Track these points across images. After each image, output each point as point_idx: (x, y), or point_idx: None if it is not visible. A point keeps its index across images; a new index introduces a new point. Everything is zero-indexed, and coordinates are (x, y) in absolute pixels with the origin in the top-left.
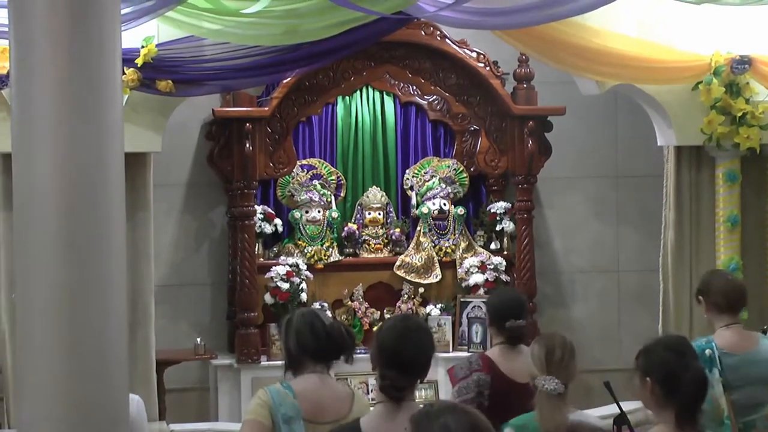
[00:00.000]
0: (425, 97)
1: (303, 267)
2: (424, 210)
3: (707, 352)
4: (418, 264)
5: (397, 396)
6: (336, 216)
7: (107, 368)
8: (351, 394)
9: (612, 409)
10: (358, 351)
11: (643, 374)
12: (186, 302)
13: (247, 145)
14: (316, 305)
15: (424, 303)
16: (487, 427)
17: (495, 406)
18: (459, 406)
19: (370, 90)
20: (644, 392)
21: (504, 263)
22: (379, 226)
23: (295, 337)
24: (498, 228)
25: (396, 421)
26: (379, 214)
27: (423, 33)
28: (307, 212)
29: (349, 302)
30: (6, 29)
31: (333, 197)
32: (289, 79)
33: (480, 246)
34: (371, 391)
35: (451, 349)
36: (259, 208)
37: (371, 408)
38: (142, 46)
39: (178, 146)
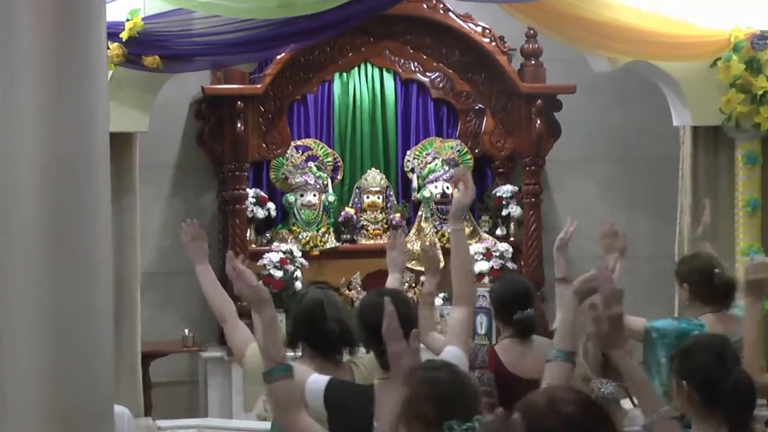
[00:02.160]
0: (427, 74)
1: (297, 254)
2: (426, 194)
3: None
4: (420, 251)
5: None
6: (332, 200)
7: (92, 360)
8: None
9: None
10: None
11: (679, 377)
12: (174, 291)
13: (239, 125)
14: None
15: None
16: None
17: (501, 405)
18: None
19: (369, 67)
20: (681, 397)
21: (510, 250)
22: (378, 211)
23: (292, 319)
24: (504, 213)
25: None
26: (378, 198)
27: (425, 6)
28: (302, 196)
29: (347, 291)
30: None
31: (329, 180)
32: (283, 55)
33: (485, 232)
34: None
35: None
36: (251, 192)
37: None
38: (128, 20)
39: (165, 126)
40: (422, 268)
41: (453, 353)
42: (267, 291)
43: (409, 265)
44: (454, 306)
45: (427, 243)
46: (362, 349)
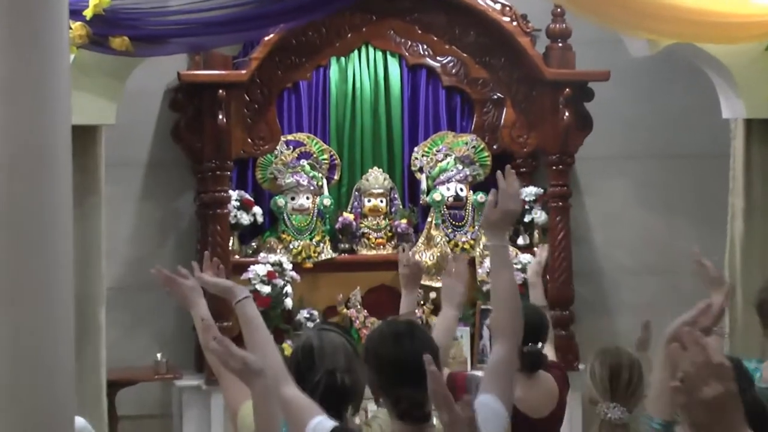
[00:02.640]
0: (438, 58)
1: (288, 266)
2: (437, 197)
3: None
4: (429, 263)
5: (422, 415)
6: (328, 204)
7: (51, 386)
8: None
9: None
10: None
11: None
12: (145, 309)
13: (221, 117)
14: (304, 314)
15: (437, 311)
16: None
17: None
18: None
19: (371, 50)
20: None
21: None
22: (382, 217)
23: (289, 363)
24: (527, 219)
25: None
26: (381, 201)
27: None
28: (293, 199)
29: (344, 310)
30: None
31: (325, 181)
32: (271, 36)
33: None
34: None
35: (469, 368)
36: (234, 194)
37: None
38: None
39: (136, 118)
40: (432, 283)
41: (489, 405)
42: (257, 362)
43: None
44: (494, 339)
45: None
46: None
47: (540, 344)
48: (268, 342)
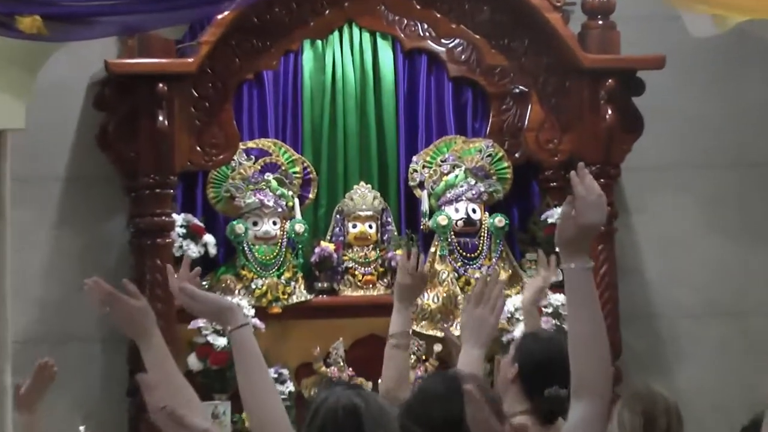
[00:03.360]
0: (443, 41)
1: (249, 311)
2: (442, 220)
3: None
4: (433, 306)
5: None
6: (301, 230)
7: None
8: None
9: None
10: None
11: None
12: (64, 368)
13: (161, 118)
14: (271, 374)
15: (443, 368)
16: None
17: None
18: None
19: (356, 30)
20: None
21: None
22: (371, 247)
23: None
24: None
25: None
26: (371, 227)
27: None
28: (255, 224)
29: (323, 368)
30: None
31: (297, 200)
32: (226, 14)
33: (530, 276)
34: None
35: None
36: (179, 218)
37: None
38: None
39: (51, 120)
40: (437, 332)
41: None
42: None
43: (417, 328)
44: (574, 397)
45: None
46: None
47: (566, 390)
48: (268, 389)
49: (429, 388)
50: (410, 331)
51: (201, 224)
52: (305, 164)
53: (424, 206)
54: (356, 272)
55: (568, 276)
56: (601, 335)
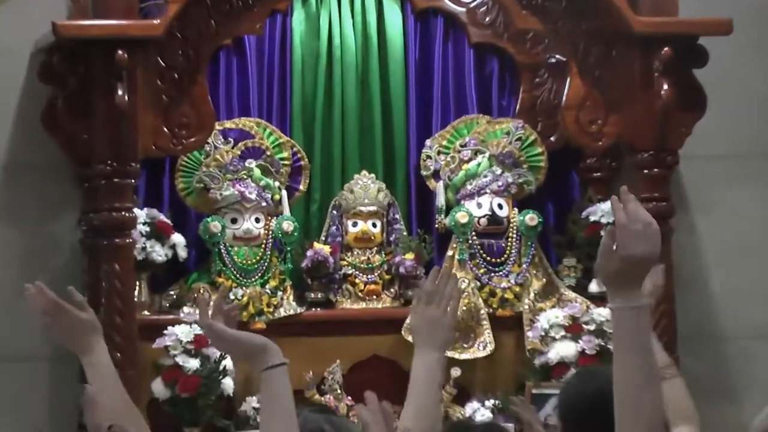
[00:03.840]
0: (463, 0)
1: None
2: (462, 217)
3: None
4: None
5: None
6: (290, 229)
7: None
8: None
9: None
10: None
11: None
12: (5, 391)
13: (120, 92)
14: (253, 404)
15: (462, 397)
16: None
17: None
18: None
19: None
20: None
21: None
22: (375, 250)
23: None
24: None
25: None
26: (374, 225)
27: None
28: (234, 222)
29: (315, 395)
30: None
31: (285, 193)
32: None
33: (569, 287)
34: None
35: None
36: (142, 214)
37: None
38: None
39: None
40: (456, 354)
41: None
42: None
43: None
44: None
45: None
46: None
47: None
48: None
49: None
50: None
51: (168, 221)
52: (295, 149)
53: (440, 201)
54: (357, 280)
55: (614, 316)
56: (652, 390)
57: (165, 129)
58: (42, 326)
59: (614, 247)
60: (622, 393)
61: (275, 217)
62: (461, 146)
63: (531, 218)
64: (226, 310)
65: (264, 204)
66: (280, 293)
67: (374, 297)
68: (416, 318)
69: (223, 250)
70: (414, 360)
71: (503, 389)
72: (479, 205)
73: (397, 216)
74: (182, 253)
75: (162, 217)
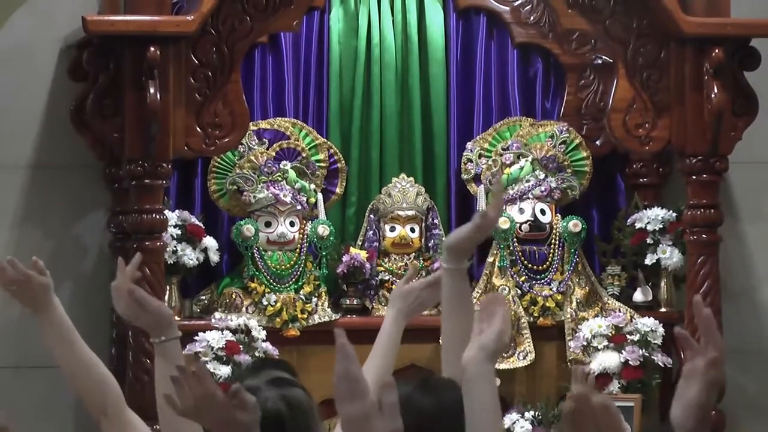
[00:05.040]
0: None
1: (260, 334)
2: (503, 224)
3: None
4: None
5: None
6: (326, 234)
7: None
8: None
9: None
10: None
11: None
12: (25, 402)
13: (152, 91)
14: None
15: (502, 407)
16: None
17: None
18: None
19: None
20: None
21: (661, 331)
22: (413, 255)
23: None
24: (649, 261)
25: None
26: (413, 230)
27: None
28: (268, 225)
29: None
30: None
31: (321, 196)
32: None
33: (612, 296)
34: None
35: None
36: (173, 216)
37: None
38: None
39: (13, 93)
40: (496, 363)
41: None
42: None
43: None
44: None
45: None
46: None
47: None
48: None
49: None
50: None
51: (200, 224)
52: (331, 151)
53: (481, 206)
54: (394, 287)
55: (446, 276)
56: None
57: (197, 129)
58: (10, 293)
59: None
60: (449, 336)
61: (310, 221)
62: (503, 149)
63: (575, 224)
64: (136, 278)
65: (299, 207)
66: (314, 299)
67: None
68: (393, 292)
69: (256, 255)
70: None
71: (543, 401)
72: (521, 211)
73: (437, 221)
74: (214, 257)
75: (194, 220)
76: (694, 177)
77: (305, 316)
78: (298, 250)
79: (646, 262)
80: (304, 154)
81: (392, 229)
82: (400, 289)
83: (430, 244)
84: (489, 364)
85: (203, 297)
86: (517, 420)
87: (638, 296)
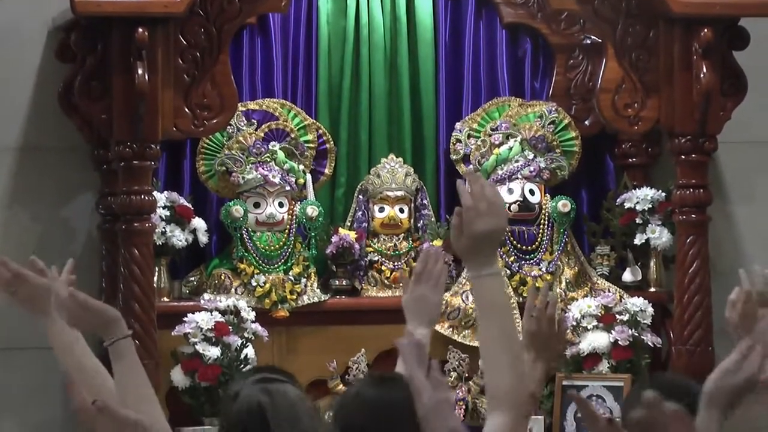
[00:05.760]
0: None
1: (249, 315)
2: None
3: None
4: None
5: None
6: (315, 215)
7: None
8: None
9: None
10: None
11: None
12: (14, 384)
13: (141, 72)
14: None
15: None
16: None
17: None
18: None
19: None
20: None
21: (650, 311)
22: (402, 236)
23: None
24: (638, 241)
25: None
26: (402, 211)
27: None
28: (257, 206)
29: (339, 386)
30: None
31: (310, 177)
32: None
33: (602, 275)
34: None
35: None
36: (162, 197)
37: None
38: None
39: (0, 74)
40: (476, 343)
41: None
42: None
43: (458, 338)
44: (489, 409)
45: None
46: None
47: None
48: (149, 398)
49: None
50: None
51: (189, 205)
52: (320, 131)
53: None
54: (383, 267)
55: (472, 285)
56: (509, 345)
57: (186, 110)
58: (7, 297)
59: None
60: (485, 359)
61: (299, 202)
62: (492, 130)
63: (564, 204)
64: (72, 281)
65: (288, 188)
66: (303, 280)
67: (401, 285)
68: (406, 297)
69: (245, 236)
70: (404, 335)
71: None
72: (510, 191)
73: (426, 201)
74: (203, 239)
75: (182, 201)
76: (683, 157)
77: (294, 297)
78: (287, 231)
79: (635, 242)
80: (292, 135)
81: (381, 210)
82: (407, 302)
83: (419, 225)
84: None
85: (192, 278)
86: None
87: (627, 276)
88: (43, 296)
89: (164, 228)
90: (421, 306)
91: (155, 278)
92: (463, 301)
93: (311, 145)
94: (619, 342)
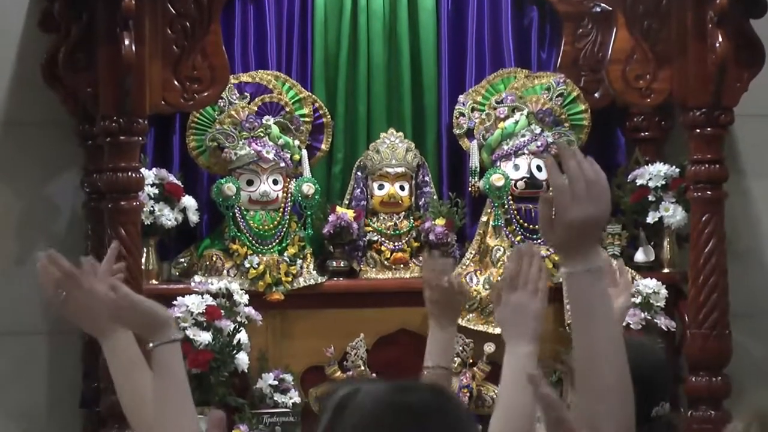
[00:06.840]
0: None
1: (242, 298)
2: (497, 180)
3: None
4: (484, 294)
5: None
6: (311, 192)
7: None
8: None
9: None
10: None
11: None
12: (2, 368)
13: (127, 42)
14: (269, 380)
15: (496, 375)
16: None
17: None
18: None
19: None
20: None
21: (664, 292)
22: (402, 215)
23: None
24: (651, 219)
25: None
26: (402, 188)
27: None
28: (250, 184)
29: (337, 372)
30: None
31: (305, 153)
32: None
33: (613, 255)
34: None
35: None
36: (150, 175)
37: None
38: None
39: None
40: (489, 329)
41: None
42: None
43: (462, 322)
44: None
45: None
46: None
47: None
48: (190, 414)
49: (385, 408)
50: (451, 365)
51: (179, 183)
52: (316, 105)
53: (474, 162)
54: (383, 248)
55: (567, 282)
56: (615, 358)
57: (175, 82)
58: (54, 303)
59: (553, 216)
60: (583, 363)
61: (295, 179)
62: (497, 103)
63: None
64: (115, 271)
65: (282, 164)
66: (299, 261)
67: (401, 266)
68: (502, 309)
69: (237, 215)
70: (504, 359)
71: (540, 366)
72: (516, 167)
73: (427, 178)
74: (193, 218)
75: (172, 179)
76: (697, 131)
77: (290, 279)
78: (281, 209)
79: (647, 221)
80: (287, 109)
81: (381, 187)
82: (502, 316)
83: (420, 203)
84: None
85: (182, 260)
86: None
87: (639, 256)
88: (98, 309)
89: (152, 207)
90: (519, 318)
91: (143, 260)
92: (467, 283)
93: (307, 119)
94: (632, 326)
